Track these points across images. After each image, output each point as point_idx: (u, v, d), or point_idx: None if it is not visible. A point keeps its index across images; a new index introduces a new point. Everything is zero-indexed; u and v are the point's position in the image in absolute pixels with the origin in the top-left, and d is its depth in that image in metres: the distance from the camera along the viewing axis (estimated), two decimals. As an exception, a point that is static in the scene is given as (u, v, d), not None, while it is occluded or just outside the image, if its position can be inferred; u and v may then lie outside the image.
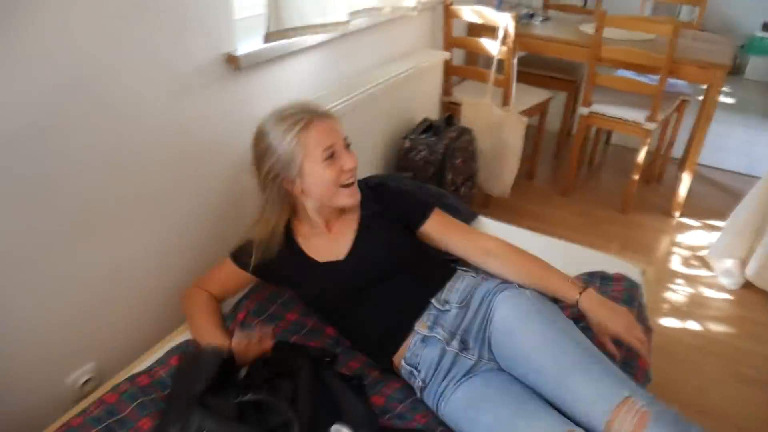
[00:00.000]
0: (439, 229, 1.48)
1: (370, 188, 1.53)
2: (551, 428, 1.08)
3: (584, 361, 1.15)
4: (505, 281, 1.38)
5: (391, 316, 1.36)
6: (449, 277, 1.43)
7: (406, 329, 1.35)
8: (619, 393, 1.08)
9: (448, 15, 2.87)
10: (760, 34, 5.56)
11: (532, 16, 3.29)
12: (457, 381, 1.24)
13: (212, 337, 1.35)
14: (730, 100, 4.99)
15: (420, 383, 1.30)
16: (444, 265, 1.48)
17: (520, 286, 1.35)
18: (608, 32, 2.77)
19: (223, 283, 1.51)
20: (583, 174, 3.54)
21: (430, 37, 2.93)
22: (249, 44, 1.75)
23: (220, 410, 1.10)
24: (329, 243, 1.44)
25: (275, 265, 1.43)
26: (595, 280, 1.64)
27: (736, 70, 5.70)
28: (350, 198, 1.40)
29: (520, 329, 1.24)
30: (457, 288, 1.39)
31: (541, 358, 1.18)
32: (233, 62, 1.66)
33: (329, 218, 1.45)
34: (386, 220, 1.47)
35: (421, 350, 1.32)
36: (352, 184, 1.40)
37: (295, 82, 2.02)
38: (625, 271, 1.67)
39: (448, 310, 1.36)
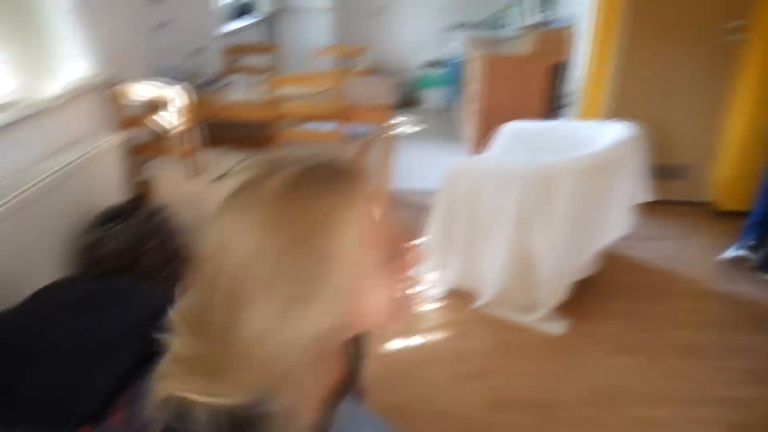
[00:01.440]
0: None
1: None
2: None
3: None
4: None
5: None
6: None
7: None
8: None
9: (114, 96, 2.72)
10: (424, 71, 6.55)
11: (211, 83, 3.33)
12: None
13: None
14: (416, 129, 5.73)
15: None
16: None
17: None
18: (287, 89, 2.94)
19: None
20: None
21: (102, 120, 2.72)
22: None
23: None
24: None
25: None
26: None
27: (414, 103, 6.60)
28: None
29: None
30: None
31: None
32: None
33: None
34: None
35: None
36: None
37: None
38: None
39: None
